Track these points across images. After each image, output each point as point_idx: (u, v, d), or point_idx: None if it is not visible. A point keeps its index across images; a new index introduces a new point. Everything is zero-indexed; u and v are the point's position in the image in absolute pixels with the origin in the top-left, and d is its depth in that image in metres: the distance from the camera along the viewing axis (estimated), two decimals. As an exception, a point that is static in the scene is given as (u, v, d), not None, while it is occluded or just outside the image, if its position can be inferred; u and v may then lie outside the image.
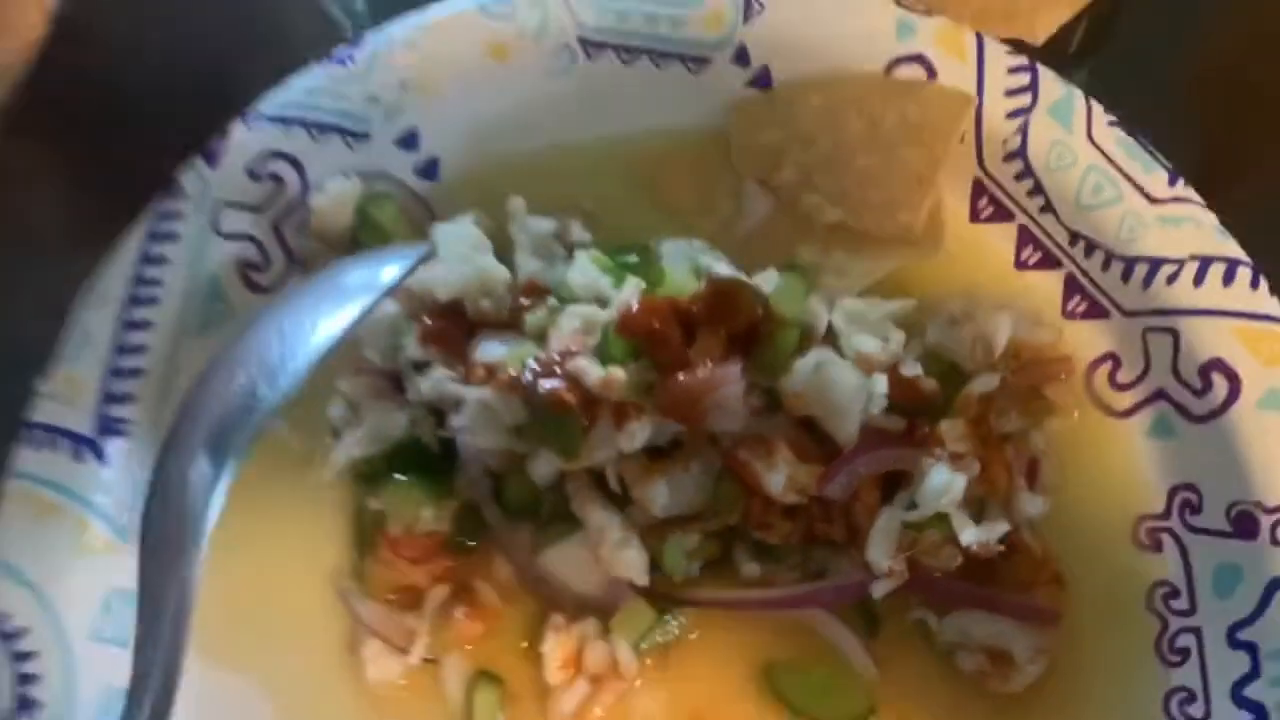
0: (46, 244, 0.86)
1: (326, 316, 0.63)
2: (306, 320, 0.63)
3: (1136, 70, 0.89)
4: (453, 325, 0.74)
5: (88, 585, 0.71)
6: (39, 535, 0.70)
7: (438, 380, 0.72)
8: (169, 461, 0.58)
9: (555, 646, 0.71)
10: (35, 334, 0.77)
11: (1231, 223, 0.73)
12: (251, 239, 0.78)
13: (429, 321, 0.73)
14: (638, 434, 0.67)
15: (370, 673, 0.73)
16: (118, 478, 0.73)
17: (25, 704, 0.67)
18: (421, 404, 0.74)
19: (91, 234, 0.84)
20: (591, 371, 0.67)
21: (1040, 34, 0.85)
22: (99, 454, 0.73)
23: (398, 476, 0.73)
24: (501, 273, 0.76)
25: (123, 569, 0.71)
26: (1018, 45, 0.84)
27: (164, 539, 0.57)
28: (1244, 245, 0.72)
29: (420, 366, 0.74)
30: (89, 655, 0.69)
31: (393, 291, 0.67)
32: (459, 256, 0.75)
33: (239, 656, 0.74)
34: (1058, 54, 0.88)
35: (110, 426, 0.73)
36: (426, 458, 0.74)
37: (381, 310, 0.75)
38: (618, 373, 0.67)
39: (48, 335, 0.75)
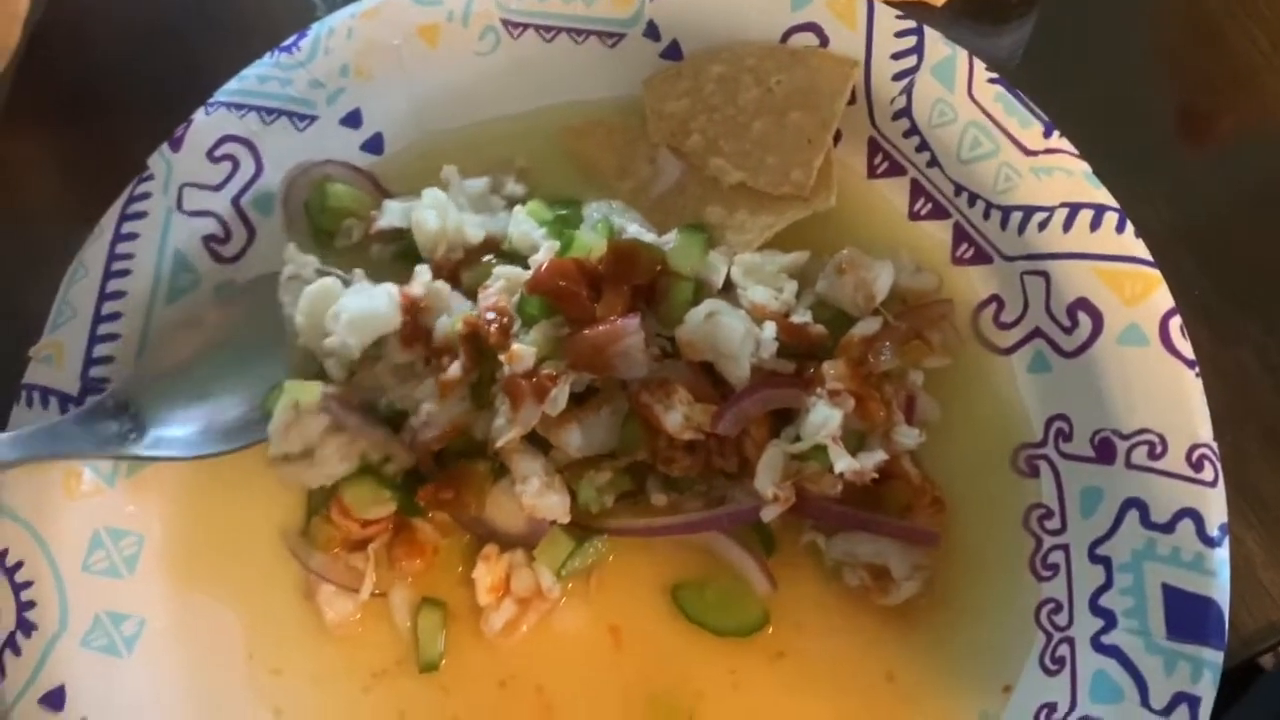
0: (39, 224, 0.96)
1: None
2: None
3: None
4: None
5: (78, 525, 0.80)
6: (33, 482, 0.80)
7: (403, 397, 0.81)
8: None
9: (485, 573, 0.79)
10: (29, 302, 0.86)
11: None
12: (213, 214, 0.86)
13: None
14: (559, 399, 0.75)
15: (328, 616, 0.81)
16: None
17: (25, 625, 0.77)
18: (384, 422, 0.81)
19: (80, 213, 0.94)
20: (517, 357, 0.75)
21: (940, -4, 0.89)
22: (85, 410, 0.82)
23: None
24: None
25: (109, 509, 0.82)
26: (918, 8, 0.90)
27: None
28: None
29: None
30: (79, 584, 0.79)
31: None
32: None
33: (214, 587, 0.83)
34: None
35: (93, 386, 0.83)
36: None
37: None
38: (519, 350, 0.75)
39: (41, 303, 0.85)
